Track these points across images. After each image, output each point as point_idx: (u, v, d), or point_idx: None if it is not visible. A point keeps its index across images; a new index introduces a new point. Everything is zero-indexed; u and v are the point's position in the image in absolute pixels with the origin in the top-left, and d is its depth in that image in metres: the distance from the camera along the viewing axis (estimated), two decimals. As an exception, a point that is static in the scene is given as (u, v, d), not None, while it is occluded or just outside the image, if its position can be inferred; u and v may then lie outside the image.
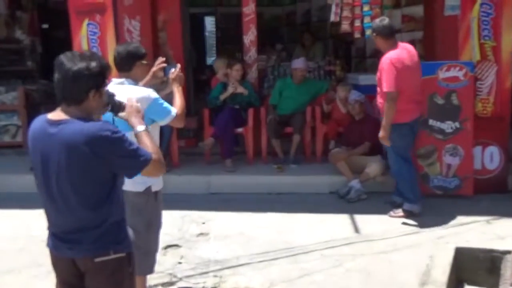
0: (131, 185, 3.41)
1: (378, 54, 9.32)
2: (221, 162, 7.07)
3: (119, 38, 7.57)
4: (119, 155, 2.51)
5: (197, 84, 9.95)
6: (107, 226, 2.57)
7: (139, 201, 3.51)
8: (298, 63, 7.29)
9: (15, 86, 8.41)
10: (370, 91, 7.36)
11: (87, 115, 2.54)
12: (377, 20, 5.38)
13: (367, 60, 9.66)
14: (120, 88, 3.36)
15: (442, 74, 5.88)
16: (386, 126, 5.24)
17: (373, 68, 9.29)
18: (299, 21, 12.49)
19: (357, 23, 6.89)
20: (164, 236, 5.00)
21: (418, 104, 5.42)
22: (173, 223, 5.56)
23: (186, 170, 6.99)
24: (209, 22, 14.75)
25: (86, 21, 6.67)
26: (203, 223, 5.62)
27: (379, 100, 5.46)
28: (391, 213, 5.59)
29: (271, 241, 5.08)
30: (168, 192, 6.49)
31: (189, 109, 8.19)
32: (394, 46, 5.31)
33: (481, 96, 6.09)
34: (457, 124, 5.92)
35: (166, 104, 3.49)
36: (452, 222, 5.37)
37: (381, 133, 5.30)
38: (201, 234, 5.35)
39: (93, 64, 2.49)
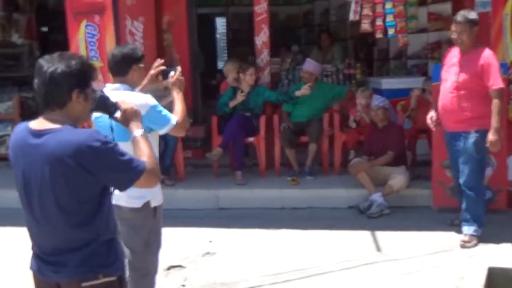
0: (126, 200, 3.35)
1: (402, 56, 9.33)
2: (230, 174, 7.00)
3: (120, 41, 7.56)
4: (109, 168, 2.44)
5: (206, 89, 9.92)
6: (96, 246, 2.49)
7: (136, 218, 3.44)
8: (306, 65, 7.26)
9: (11, 94, 8.39)
10: (393, 95, 7.35)
11: (73, 121, 2.48)
12: (469, 12, 5.14)
13: (391, 62, 9.55)
14: (115, 95, 3.29)
15: (473, 76, 5.75)
16: (499, 127, 4.94)
17: (397, 71, 9.26)
18: (317, 21, 12.44)
19: (379, 22, 6.84)
20: (167, 256, 4.98)
21: None
22: (177, 241, 5.49)
23: (193, 183, 6.93)
24: (220, 23, 14.74)
25: (84, 23, 6.64)
26: (210, 241, 5.53)
27: (458, 105, 5.05)
28: (463, 243, 5.15)
29: (283, 261, 4.98)
30: (173, 208, 6.56)
31: (197, 117, 8.22)
32: (479, 45, 5.11)
33: (516, 100, 5.95)
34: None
35: (165, 112, 3.42)
36: (485, 239, 5.20)
37: (492, 137, 4.91)
38: (208, 253, 5.26)
39: (73, 62, 2.45)
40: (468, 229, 5.17)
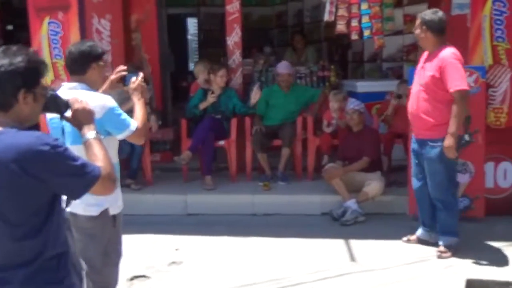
0: (82, 208, 3.11)
1: (377, 59, 9.20)
2: (200, 179, 6.76)
3: (87, 39, 7.31)
4: (60, 174, 2.19)
5: (177, 91, 9.68)
6: (43, 261, 2.24)
7: (93, 227, 3.21)
8: (280, 68, 7.05)
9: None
10: (369, 99, 7.20)
11: (21, 123, 2.23)
12: (429, 12, 4.90)
13: (365, 65, 9.41)
14: (72, 94, 3.04)
15: (450, 80, 5.61)
16: (456, 132, 4.68)
17: (371, 74, 9.13)
18: (290, 22, 12.26)
19: (354, 23, 6.67)
20: (131, 265, 4.76)
21: None
22: (142, 249, 5.26)
23: (161, 188, 6.69)
24: (192, 24, 14.49)
25: (47, 19, 6.35)
26: (177, 249, 5.29)
27: (428, 111, 4.82)
28: (440, 253, 4.96)
29: (254, 271, 4.76)
30: (140, 213, 6.33)
31: (166, 119, 7.98)
32: (442, 46, 4.81)
33: (494, 105, 5.80)
34: (466, 137, 5.56)
35: (125, 116, 3.19)
36: (461, 249, 5.04)
37: (447, 142, 4.69)
38: (174, 262, 5.01)
39: (18, 59, 2.18)
40: (443, 240, 5.00)
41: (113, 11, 7.29)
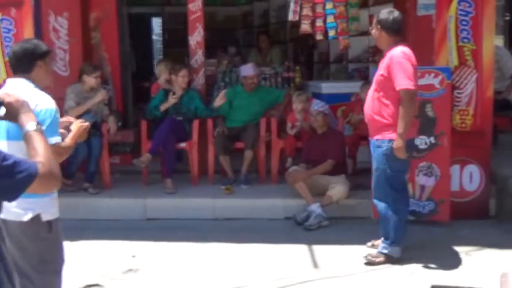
0: (13, 213, 2.88)
1: (343, 60, 9.09)
2: (161, 182, 6.54)
3: (43, 37, 7.05)
4: (-14, 177, 1.99)
5: (140, 92, 9.42)
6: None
7: (24, 234, 2.98)
8: (247, 70, 6.89)
9: None
10: (334, 100, 7.07)
11: None
12: (384, 11, 4.75)
13: (331, 66, 9.30)
14: (17, 89, 2.84)
15: (415, 81, 5.52)
16: (404, 133, 4.51)
17: (337, 75, 9.01)
18: (256, 22, 12.11)
19: (319, 23, 6.55)
20: (83, 273, 4.59)
21: (416, 118, 4.83)
22: (97, 256, 5.06)
23: (120, 191, 6.46)
24: (157, 24, 14.25)
25: (-1, 16, 6.09)
26: (133, 256, 5.08)
27: (376, 110, 4.70)
28: (370, 257, 4.83)
29: (214, 279, 4.60)
30: (97, 218, 6.11)
31: (127, 121, 7.74)
32: (395, 46, 4.66)
33: (459, 107, 5.74)
34: (432, 139, 5.55)
35: (57, 128, 2.98)
36: (426, 254, 4.95)
37: (397, 143, 4.54)
38: (130, 270, 4.80)
39: None
40: (380, 247, 4.84)
41: (71, 8, 7.08)
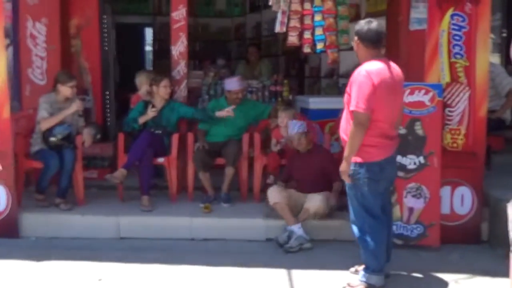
0: None
1: (334, 74, 8.82)
2: (139, 199, 6.20)
3: (20, 44, 6.80)
4: None
5: (126, 103, 9.13)
6: None
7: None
8: (232, 84, 6.57)
9: None
10: (322, 116, 6.80)
11: None
12: (362, 22, 4.45)
13: (322, 80, 9.03)
14: None
15: (404, 98, 5.19)
16: (349, 157, 4.26)
17: (329, 90, 8.74)
18: (249, 34, 11.88)
19: (307, 35, 6.27)
20: None
21: (392, 140, 4.44)
22: (59, 279, 4.72)
23: (93, 208, 6.13)
24: (150, 34, 14.02)
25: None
26: (100, 279, 4.75)
27: (344, 129, 4.44)
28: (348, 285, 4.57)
29: (183, 306, 4.29)
30: (68, 236, 5.78)
31: (107, 133, 7.44)
32: (375, 59, 4.36)
33: (451, 126, 5.46)
34: (421, 159, 5.27)
35: None
36: (414, 281, 4.67)
37: (341, 166, 4.33)
38: (93, 295, 4.50)
39: None
40: (360, 275, 4.53)
41: (50, 14, 6.82)
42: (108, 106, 8.00)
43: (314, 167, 5.74)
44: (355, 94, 4.20)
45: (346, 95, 4.41)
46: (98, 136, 6.97)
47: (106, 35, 7.96)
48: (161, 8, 12.13)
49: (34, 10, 6.74)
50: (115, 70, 8.31)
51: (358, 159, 4.29)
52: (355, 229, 4.49)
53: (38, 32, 6.78)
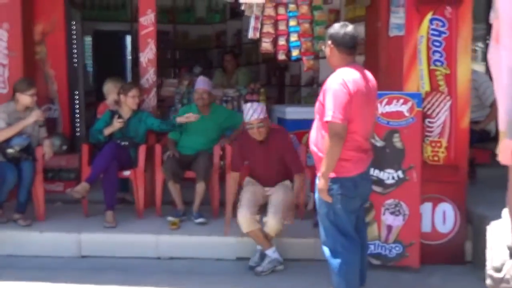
0: None
1: (313, 83, 8.50)
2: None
3: None
4: None
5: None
6: None
7: None
8: (198, 83, 6.21)
9: None
10: (299, 127, 6.46)
11: None
12: (336, 25, 4.09)
13: (302, 89, 8.71)
14: None
15: (382, 108, 4.93)
16: (326, 173, 3.89)
17: (309, 99, 8.40)
18: (229, 42, 11.56)
19: (282, 41, 5.95)
20: None
21: (366, 153, 4.08)
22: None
23: (54, 224, 5.75)
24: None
25: None
26: (50, 304, 4.40)
27: (314, 140, 4.11)
28: None
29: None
30: (25, 254, 5.40)
31: (74, 145, 7.08)
32: (349, 66, 4.02)
33: (431, 138, 5.15)
34: (400, 174, 4.96)
35: None
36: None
37: (319, 184, 3.96)
38: (42, 322, 4.13)
39: None
40: None
41: (12, 19, 6.45)
42: (77, 116, 7.66)
43: (271, 158, 5.24)
44: (331, 103, 3.85)
45: (317, 104, 4.07)
46: (64, 147, 6.66)
47: (75, 42, 7.62)
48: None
49: (-6, 14, 6.39)
50: (86, 79, 7.93)
51: (332, 174, 3.94)
52: (326, 250, 4.12)
53: (-1, 38, 6.43)
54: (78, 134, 7.54)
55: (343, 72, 3.95)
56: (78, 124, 7.65)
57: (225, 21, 11.64)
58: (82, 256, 5.45)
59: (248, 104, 5.24)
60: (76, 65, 7.68)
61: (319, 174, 3.97)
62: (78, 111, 7.68)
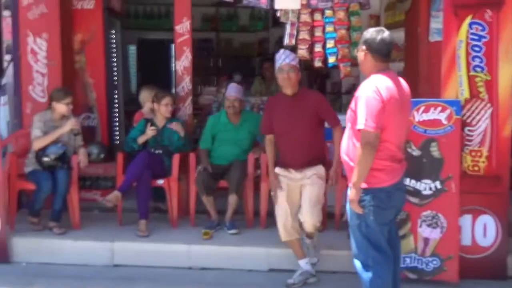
0: None
1: (354, 90, 8.30)
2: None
3: (21, 60, 6.53)
4: None
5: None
6: None
7: None
8: (229, 90, 6.05)
9: None
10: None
11: None
12: (372, 30, 3.92)
13: (343, 97, 8.54)
14: None
15: (418, 116, 4.74)
16: (358, 183, 3.75)
17: (347, 107, 8.23)
18: (271, 49, 11.45)
19: (318, 48, 5.83)
20: None
21: (399, 163, 3.91)
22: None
23: (87, 233, 5.75)
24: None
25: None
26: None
27: (345, 149, 3.94)
28: None
29: None
30: (58, 262, 5.42)
31: (112, 153, 7.11)
32: (383, 72, 3.86)
33: (471, 147, 4.93)
34: (437, 184, 4.75)
35: None
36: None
37: (350, 194, 3.83)
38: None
39: None
40: None
41: (51, 29, 6.51)
42: (117, 124, 7.71)
43: (303, 114, 4.84)
44: (363, 111, 3.70)
45: (349, 112, 3.93)
46: (102, 156, 6.67)
47: (114, 50, 7.67)
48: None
49: (34, 25, 6.45)
50: (127, 87, 7.98)
51: (363, 185, 3.79)
52: (357, 263, 3.96)
53: (39, 48, 6.49)
54: (117, 142, 7.57)
55: (376, 79, 3.80)
56: (118, 133, 7.69)
57: (268, 29, 11.57)
58: (115, 265, 5.43)
59: (281, 50, 5.06)
60: (115, 73, 7.71)
61: (350, 184, 3.83)
62: (117, 119, 7.71)
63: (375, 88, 3.72)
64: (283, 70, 4.84)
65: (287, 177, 4.95)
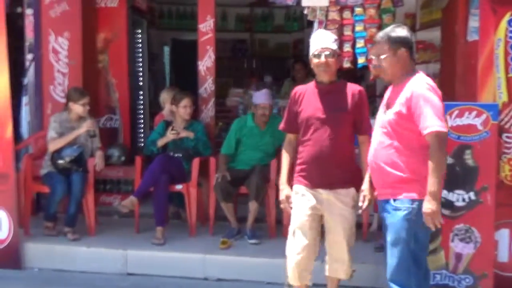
0: None
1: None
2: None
3: (42, 59, 6.39)
4: None
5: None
6: None
7: None
8: (259, 97, 5.75)
9: None
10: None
11: None
12: (401, 29, 3.56)
13: (377, 100, 8.15)
14: None
15: (451, 121, 4.36)
16: (439, 192, 3.32)
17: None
18: (306, 50, 11.14)
19: (347, 48, 5.55)
20: None
21: None
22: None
23: (102, 239, 5.56)
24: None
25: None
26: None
27: (384, 157, 3.54)
28: None
29: None
30: (71, 269, 5.22)
31: (133, 156, 6.92)
32: (411, 74, 3.52)
33: (509, 155, 4.53)
34: (471, 195, 4.36)
35: None
36: None
37: (432, 206, 3.30)
38: None
39: None
40: None
41: (72, 27, 6.36)
42: (142, 126, 7.52)
43: (336, 107, 4.00)
44: (430, 113, 3.32)
45: (392, 117, 3.49)
46: (123, 159, 6.48)
47: (140, 50, 7.48)
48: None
49: (56, 23, 6.33)
50: (161, 89, 7.76)
51: (414, 195, 3.41)
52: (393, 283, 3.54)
53: (60, 47, 6.36)
54: (141, 145, 7.38)
55: (421, 77, 3.49)
56: (142, 135, 7.50)
57: (303, 29, 11.25)
58: (128, 274, 5.21)
59: (319, 30, 4.65)
60: (141, 74, 7.52)
61: (427, 197, 3.31)
62: (142, 121, 7.53)
63: (429, 87, 3.42)
64: (320, 54, 4.01)
65: (305, 195, 4.02)
